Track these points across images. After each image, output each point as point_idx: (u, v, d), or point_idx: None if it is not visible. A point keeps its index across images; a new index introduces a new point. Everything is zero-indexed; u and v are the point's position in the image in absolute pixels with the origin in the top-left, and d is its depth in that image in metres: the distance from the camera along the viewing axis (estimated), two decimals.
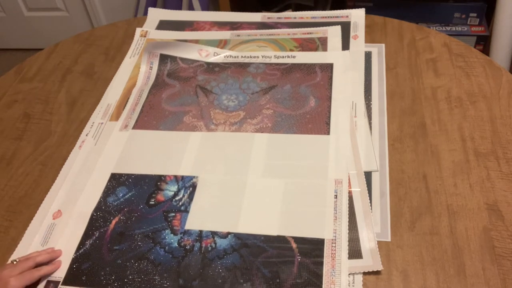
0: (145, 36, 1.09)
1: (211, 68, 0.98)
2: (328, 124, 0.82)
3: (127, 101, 0.93)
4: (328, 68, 0.93)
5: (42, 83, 1.03)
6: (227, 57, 1.00)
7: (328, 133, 0.81)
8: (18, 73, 1.06)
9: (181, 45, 1.01)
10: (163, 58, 1.00)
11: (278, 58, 0.97)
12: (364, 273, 0.63)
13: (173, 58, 1.00)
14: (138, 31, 1.10)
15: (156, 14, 1.15)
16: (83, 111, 0.94)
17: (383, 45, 0.98)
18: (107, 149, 0.84)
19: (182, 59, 1.00)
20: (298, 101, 0.88)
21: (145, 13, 1.18)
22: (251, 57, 0.98)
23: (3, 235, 0.74)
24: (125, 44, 1.09)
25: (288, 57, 0.97)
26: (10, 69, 1.08)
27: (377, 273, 0.64)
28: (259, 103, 0.89)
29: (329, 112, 0.84)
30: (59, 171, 0.82)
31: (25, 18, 2.15)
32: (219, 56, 1.00)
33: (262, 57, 0.98)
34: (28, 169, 0.84)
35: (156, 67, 0.99)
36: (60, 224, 0.74)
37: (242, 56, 0.99)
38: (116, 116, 0.90)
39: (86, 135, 0.88)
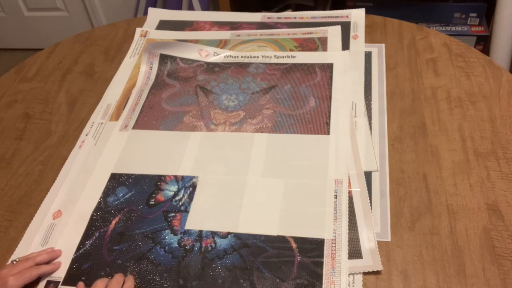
0: (145, 36, 1.09)
1: (211, 68, 0.98)
2: (328, 124, 0.82)
3: (127, 101, 0.93)
4: (328, 68, 0.93)
5: (42, 83, 1.03)
6: (227, 57, 1.00)
7: (328, 133, 0.81)
8: (18, 73, 1.06)
9: (181, 45, 1.01)
10: (163, 58, 1.00)
11: (278, 58, 0.97)
12: (364, 273, 0.63)
13: (173, 58, 1.00)
14: (138, 31, 1.10)
15: (156, 14, 1.15)
16: (83, 111, 0.94)
17: (383, 45, 0.98)
18: (107, 149, 0.84)
19: (182, 59, 1.00)
20: (298, 101, 0.88)
21: (145, 13, 1.18)
22: (251, 57, 0.98)
23: (3, 235, 0.74)
24: (125, 44, 1.09)
25: (288, 57, 0.97)
26: (10, 69, 1.08)
27: (377, 273, 0.64)
28: (259, 103, 0.89)
29: (329, 112, 0.84)
30: (59, 171, 0.82)
31: (25, 18, 2.15)
32: (219, 56, 1.00)
33: (262, 57, 0.98)
34: (28, 169, 0.84)
35: (156, 67, 0.99)
36: (60, 224, 0.74)
37: (242, 56, 0.99)
38: (116, 116, 0.90)
39: (86, 135, 0.88)
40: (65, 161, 0.84)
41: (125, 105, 0.92)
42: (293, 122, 0.84)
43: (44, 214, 0.76)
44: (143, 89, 0.95)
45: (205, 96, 0.92)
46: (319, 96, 0.88)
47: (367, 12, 1.06)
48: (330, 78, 0.91)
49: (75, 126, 0.91)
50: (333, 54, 0.96)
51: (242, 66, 0.97)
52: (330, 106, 0.86)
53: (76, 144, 0.87)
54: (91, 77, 1.02)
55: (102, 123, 0.89)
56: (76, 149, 0.86)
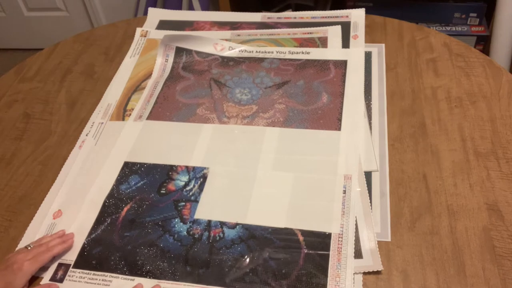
0: (145, 36, 1.09)
1: (226, 62, 0.99)
2: (340, 120, 0.83)
3: (127, 100, 0.94)
4: (342, 65, 0.93)
5: (42, 83, 1.03)
6: (242, 51, 1.00)
7: (340, 129, 0.81)
8: (18, 73, 1.06)
9: (197, 38, 1.02)
10: (179, 51, 1.01)
11: (292, 53, 0.98)
12: (364, 273, 0.63)
13: (189, 51, 1.01)
14: (138, 31, 1.10)
15: (156, 14, 1.16)
16: (83, 111, 0.94)
17: (383, 45, 0.98)
18: (121, 138, 0.85)
19: (198, 53, 1.01)
20: (310, 96, 0.88)
21: (145, 13, 1.18)
22: (265, 52, 0.99)
23: (3, 235, 0.74)
24: (125, 44, 1.09)
25: (303, 53, 0.98)
26: (10, 69, 1.08)
27: (377, 273, 0.64)
28: (271, 97, 0.89)
29: (341, 108, 0.85)
30: (59, 171, 0.82)
31: (25, 18, 2.15)
32: (234, 50, 1.01)
33: (277, 52, 0.99)
34: (28, 169, 0.84)
35: (172, 60, 1.00)
36: (60, 223, 0.74)
37: (256, 51, 1.00)
38: (116, 116, 0.90)
39: (86, 135, 0.88)
40: (65, 161, 0.84)
41: (127, 102, 0.92)
42: (305, 117, 0.84)
43: (44, 214, 0.76)
44: (158, 81, 0.96)
45: (218, 89, 0.92)
46: (332, 92, 0.88)
47: (367, 12, 1.06)
48: (344, 75, 0.91)
49: (75, 126, 0.91)
50: (347, 51, 0.96)
51: (256, 61, 0.98)
52: (342, 102, 0.86)
53: (76, 144, 0.87)
54: (91, 77, 1.02)
55: (102, 123, 0.90)
56: (76, 149, 0.86)
